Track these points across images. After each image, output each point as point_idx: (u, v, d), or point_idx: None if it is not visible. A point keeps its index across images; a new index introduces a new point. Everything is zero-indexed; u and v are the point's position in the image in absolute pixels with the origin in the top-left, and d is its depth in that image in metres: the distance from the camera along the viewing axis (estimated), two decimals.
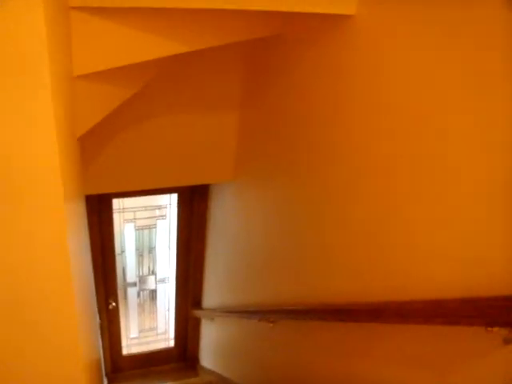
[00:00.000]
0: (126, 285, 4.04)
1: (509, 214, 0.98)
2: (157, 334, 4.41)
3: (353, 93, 1.55)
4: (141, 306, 4.21)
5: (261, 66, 2.33)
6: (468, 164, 1.08)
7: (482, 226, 1.05)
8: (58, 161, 0.89)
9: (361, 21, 1.44)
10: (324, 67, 1.71)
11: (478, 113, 1.05)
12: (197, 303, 4.12)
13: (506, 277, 0.98)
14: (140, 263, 4.01)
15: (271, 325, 2.21)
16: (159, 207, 3.88)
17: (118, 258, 3.82)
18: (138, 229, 3.86)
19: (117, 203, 3.63)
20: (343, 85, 1.60)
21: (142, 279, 4.09)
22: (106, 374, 4.13)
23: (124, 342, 4.25)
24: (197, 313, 4.07)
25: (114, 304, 3.91)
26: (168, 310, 4.29)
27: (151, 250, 4.00)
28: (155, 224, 3.91)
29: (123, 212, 3.73)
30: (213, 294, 3.74)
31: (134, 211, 3.77)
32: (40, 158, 0.88)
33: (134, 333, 4.31)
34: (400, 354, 1.36)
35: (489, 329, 0.97)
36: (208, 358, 4.02)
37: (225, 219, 3.30)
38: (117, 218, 3.68)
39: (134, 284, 4.08)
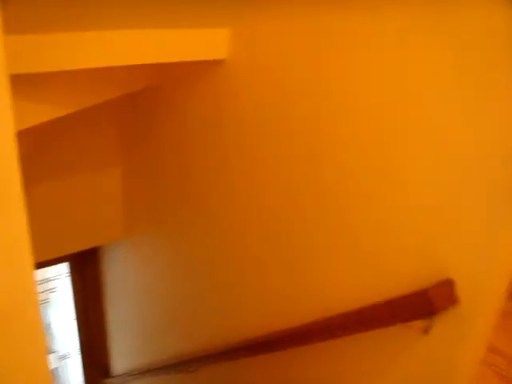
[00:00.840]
0: None
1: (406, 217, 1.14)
2: None
3: (230, 135, 1.66)
4: None
5: (137, 119, 2.37)
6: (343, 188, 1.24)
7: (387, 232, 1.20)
8: None
9: (233, 63, 1.56)
10: (201, 113, 1.80)
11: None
12: (106, 372, 3.90)
13: (412, 275, 1.12)
14: None
15: (192, 374, 2.19)
16: (49, 280, 3.66)
17: None
18: None
19: None
20: (220, 128, 1.70)
21: None
22: None
23: None
24: (108, 382, 3.85)
25: None
26: None
27: (47, 326, 3.74)
28: (48, 298, 3.67)
29: None
30: (124, 358, 3.58)
31: None
32: None
33: None
34: (332, 370, 1.45)
35: (409, 324, 1.09)
36: None
37: (123, 278, 3.21)
38: None
39: None
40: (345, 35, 1.15)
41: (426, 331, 1.11)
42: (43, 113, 1.65)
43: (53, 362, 3.86)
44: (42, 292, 3.64)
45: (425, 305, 1.03)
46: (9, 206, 0.75)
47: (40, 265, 3.33)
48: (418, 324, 1.10)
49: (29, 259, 0.78)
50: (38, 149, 2.34)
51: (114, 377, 3.80)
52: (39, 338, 0.84)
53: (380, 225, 1.18)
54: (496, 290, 1.10)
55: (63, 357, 3.89)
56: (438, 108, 1.00)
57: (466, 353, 1.11)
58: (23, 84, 1.51)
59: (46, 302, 3.67)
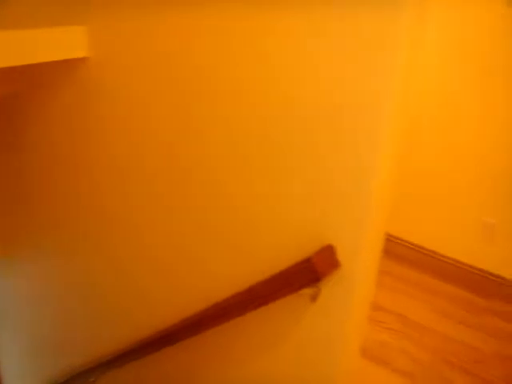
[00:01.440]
0: None
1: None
2: None
3: (96, 139, 1.58)
4: None
5: None
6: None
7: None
8: None
9: (94, 63, 1.49)
10: (66, 118, 1.69)
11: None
12: None
13: (296, 246, 1.15)
14: None
15: None
16: None
17: None
18: None
19: None
20: (86, 134, 1.62)
21: None
22: None
23: None
24: None
25: None
26: None
27: None
28: None
29: None
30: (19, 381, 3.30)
31: None
32: None
33: None
34: (231, 350, 1.46)
35: (299, 293, 1.12)
36: None
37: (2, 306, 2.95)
38: None
39: None
40: (196, 33, 1.15)
41: (313, 298, 1.15)
42: None
43: None
44: None
45: (310, 272, 1.07)
46: None
47: None
48: (308, 292, 1.14)
49: None
50: None
51: None
52: None
53: (257, 200, 1.20)
54: (372, 250, 1.18)
55: None
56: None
57: (352, 312, 1.17)
58: None
59: None
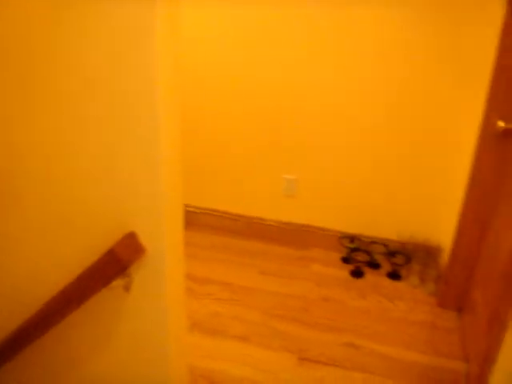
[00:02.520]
0: None
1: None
2: None
3: None
4: None
5: None
6: None
7: None
8: None
9: None
10: None
11: None
12: None
13: (101, 238, 1.11)
14: None
15: None
16: None
17: None
18: None
19: None
20: None
21: None
22: None
23: None
24: None
25: None
26: None
27: None
28: None
29: None
30: None
31: None
32: None
33: None
34: (56, 360, 1.36)
35: (112, 285, 1.09)
36: None
37: None
38: None
39: None
40: None
41: (127, 288, 1.14)
42: None
43: None
44: None
45: (115, 263, 1.05)
46: None
47: None
48: (120, 283, 1.12)
49: None
50: None
51: None
52: None
53: (54, 199, 1.13)
54: (174, 227, 1.20)
55: None
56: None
57: (168, 292, 1.19)
58: None
59: None
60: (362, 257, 2.56)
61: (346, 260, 2.61)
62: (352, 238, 2.64)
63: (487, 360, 1.57)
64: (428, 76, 2.22)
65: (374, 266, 2.56)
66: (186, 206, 2.89)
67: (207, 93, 2.56)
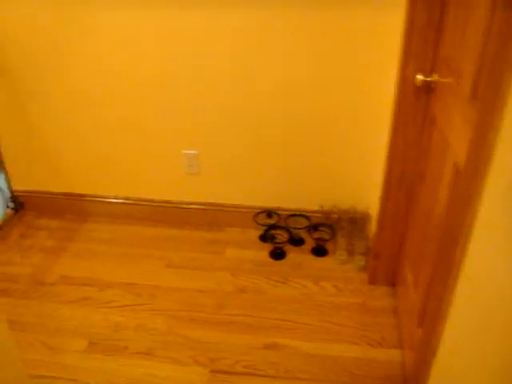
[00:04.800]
0: None
1: None
2: None
3: None
4: None
5: None
6: None
7: None
8: None
9: None
10: None
11: None
12: None
13: None
14: None
15: None
16: None
17: None
18: None
19: None
20: None
21: None
22: None
23: None
24: None
25: None
26: None
27: None
28: None
29: None
30: None
31: None
32: None
33: None
34: None
35: None
36: None
37: None
38: None
39: None
40: None
41: None
42: None
43: None
44: None
45: None
46: None
47: None
48: None
49: None
50: None
51: None
52: None
53: None
54: None
55: None
56: None
57: None
58: None
59: None
60: (282, 234, 2.24)
61: (263, 238, 2.28)
62: (269, 213, 2.30)
63: (424, 347, 1.30)
64: (341, 41, 1.85)
65: (296, 242, 2.25)
66: (82, 195, 2.44)
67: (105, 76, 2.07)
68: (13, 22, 2.02)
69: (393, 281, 1.98)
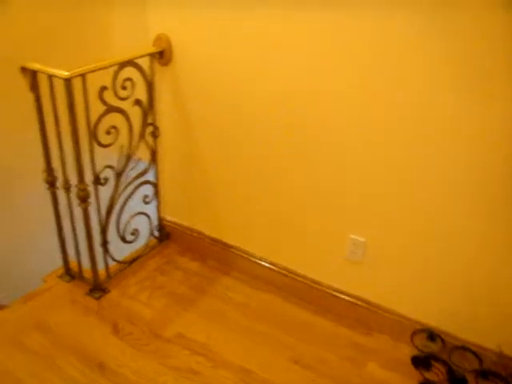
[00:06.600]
0: None
1: None
2: None
3: None
4: None
5: None
6: None
7: None
8: None
9: None
10: None
11: None
12: None
13: None
14: None
15: None
16: None
17: None
18: None
19: None
20: None
21: None
22: None
23: None
24: None
25: None
26: None
27: None
28: None
29: None
30: None
31: None
32: None
33: None
34: None
35: None
36: None
37: None
38: None
39: None
40: None
41: None
42: None
43: None
44: None
45: None
46: None
47: None
48: None
49: None
50: None
51: None
52: None
53: None
54: None
55: None
56: None
57: None
58: None
59: None
60: (440, 367, 1.83)
61: (417, 362, 1.88)
62: (431, 335, 1.90)
63: None
64: None
65: (457, 382, 1.81)
66: (229, 246, 2.30)
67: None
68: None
69: None
